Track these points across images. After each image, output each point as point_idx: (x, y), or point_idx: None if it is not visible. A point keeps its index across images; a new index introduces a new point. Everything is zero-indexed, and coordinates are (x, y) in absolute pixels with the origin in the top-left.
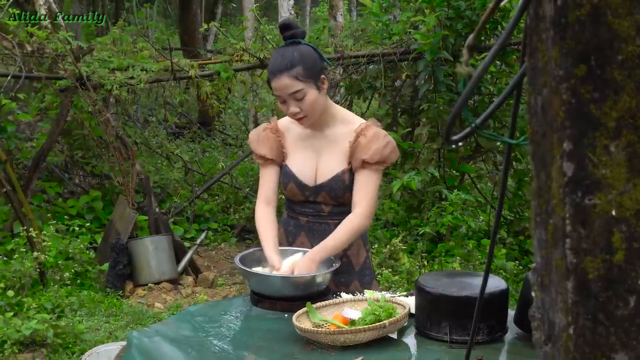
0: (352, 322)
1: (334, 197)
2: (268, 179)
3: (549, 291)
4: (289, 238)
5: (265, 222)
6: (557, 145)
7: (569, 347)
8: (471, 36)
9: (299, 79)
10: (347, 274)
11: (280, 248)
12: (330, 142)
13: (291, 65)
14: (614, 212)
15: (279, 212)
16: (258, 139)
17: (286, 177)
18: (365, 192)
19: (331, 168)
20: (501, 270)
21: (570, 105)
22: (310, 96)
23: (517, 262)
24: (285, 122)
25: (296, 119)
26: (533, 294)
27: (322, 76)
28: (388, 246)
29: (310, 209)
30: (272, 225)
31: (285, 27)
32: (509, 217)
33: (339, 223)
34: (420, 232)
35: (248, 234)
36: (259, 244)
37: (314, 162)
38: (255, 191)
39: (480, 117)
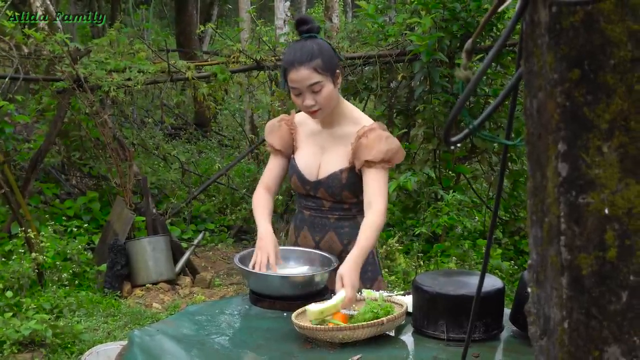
0: (350, 318)
1: (331, 194)
2: (272, 168)
3: (545, 287)
4: (295, 232)
5: (261, 200)
6: (552, 146)
7: (563, 340)
8: (469, 41)
9: (318, 71)
10: None
11: (286, 248)
12: (335, 139)
13: (311, 57)
14: (606, 211)
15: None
16: (272, 129)
17: (291, 170)
18: (376, 190)
19: (332, 166)
20: (497, 270)
21: (565, 108)
22: (327, 89)
23: (512, 262)
24: (302, 117)
25: (310, 112)
26: (529, 289)
27: (337, 71)
28: (384, 246)
29: (313, 202)
30: (266, 202)
31: (302, 22)
32: (504, 218)
33: (339, 218)
34: (416, 233)
35: (245, 234)
36: (255, 245)
37: (319, 158)
38: (252, 192)
39: (479, 119)
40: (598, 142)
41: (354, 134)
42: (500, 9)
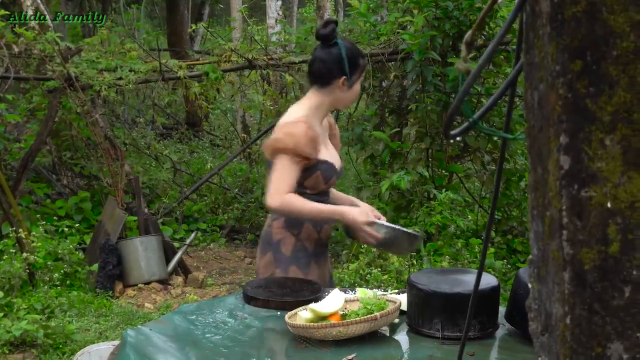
0: (344, 316)
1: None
2: (296, 175)
3: (546, 282)
4: (295, 229)
5: (300, 197)
6: (554, 139)
7: (565, 336)
8: (469, 33)
9: None
10: (279, 261)
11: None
12: (325, 133)
13: None
14: (609, 204)
15: None
16: (306, 139)
17: (330, 171)
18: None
19: (337, 154)
20: (490, 269)
21: (567, 99)
22: None
23: (505, 260)
24: (311, 119)
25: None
26: (530, 285)
27: None
28: None
29: (323, 198)
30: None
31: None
32: (497, 217)
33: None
34: None
35: (237, 234)
36: (247, 245)
37: (332, 151)
38: (244, 191)
39: (478, 112)
40: (600, 135)
41: (328, 125)
42: (495, 4)
